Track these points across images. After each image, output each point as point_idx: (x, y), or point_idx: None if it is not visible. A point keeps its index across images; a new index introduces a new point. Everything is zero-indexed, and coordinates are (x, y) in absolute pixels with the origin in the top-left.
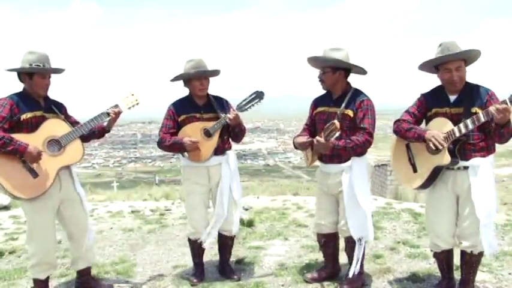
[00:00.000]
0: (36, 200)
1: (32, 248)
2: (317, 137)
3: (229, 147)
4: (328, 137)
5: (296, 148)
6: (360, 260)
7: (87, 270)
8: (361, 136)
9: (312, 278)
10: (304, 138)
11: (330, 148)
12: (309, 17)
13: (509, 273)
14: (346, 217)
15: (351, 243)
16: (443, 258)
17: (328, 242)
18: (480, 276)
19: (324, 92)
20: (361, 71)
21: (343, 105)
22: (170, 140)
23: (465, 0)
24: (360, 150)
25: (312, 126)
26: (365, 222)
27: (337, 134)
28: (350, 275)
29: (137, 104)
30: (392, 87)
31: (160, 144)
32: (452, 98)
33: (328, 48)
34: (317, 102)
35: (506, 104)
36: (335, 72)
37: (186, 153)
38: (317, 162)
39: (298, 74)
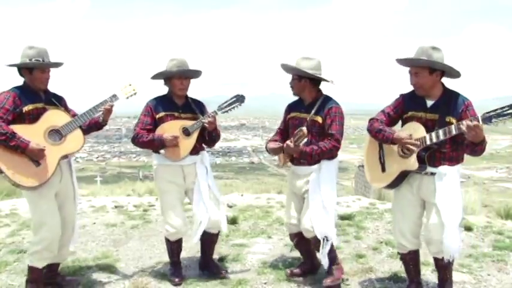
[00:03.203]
0: (41, 188)
1: (40, 235)
2: (287, 142)
3: (203, 148)
4: (297, 142)
5: (268, 152)
6: (326, 255)
7: (56, 266)
8: (328, 143)
9: (291, 273)
10: (275, 144)
11: (299, 152)
12: (298, 16)
13: (488, 274)
14: (310, 217)
15: (316, 242)
16: (410, 259)
17: (300, 240)
18: (460, 277)
19: (297, 97)
20: (329, 81)
21: (313, 111)
22: (148, 136)
23: (452, 3)
24: (327, 156)
25: (285, 131)
26: (328, 222)
27: (305, 140)
28: (326, 271)
29: (135, 93)
30: (378, 88)
31: (136, 139)
32: (429, 103)
33: (300, 58)
34: (291, 108)
35: (478, 121)
36: (300, 80)
37: (162, 150)
38: (288, 164)
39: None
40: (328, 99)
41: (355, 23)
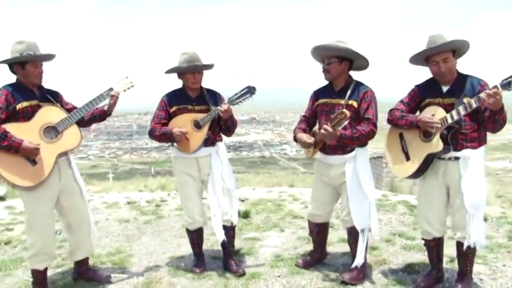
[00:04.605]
0: (37, 190)
1: (31, 238)
2: (324, 126)
3: (220, 139)
4: (336, 126)
5: (296, 141)
6: (363, 250)
7: (86, 261)
8: (366, 126)
9: (304, 262)
10: (307, 138)
11: (337, 137)
12: (305, 8)
13: (504, 265)
14: (349, 208)
15: (353, 234)
16: (434, 246)
17: (320, 231)
18: (475, 268)
19: (324, 84)
20: (365, 64)
21: (347, 95)
22: (160, 130)
23: None
24: (365, 140)
25: (311, 118)
26: (368, 212)
27: (346, 122)
28: (354, 266)
29: (132, 86)
30: (386, 80)
31: (151, 134)
32: (444, 88)
33: (335, 40)
34: (318, 94)
35: (497, 88)
36: (341, 62)
37: (175, 144)
38: (317, 154)
39: (295, 66)
40: (360, 83)
41: (363, 14)
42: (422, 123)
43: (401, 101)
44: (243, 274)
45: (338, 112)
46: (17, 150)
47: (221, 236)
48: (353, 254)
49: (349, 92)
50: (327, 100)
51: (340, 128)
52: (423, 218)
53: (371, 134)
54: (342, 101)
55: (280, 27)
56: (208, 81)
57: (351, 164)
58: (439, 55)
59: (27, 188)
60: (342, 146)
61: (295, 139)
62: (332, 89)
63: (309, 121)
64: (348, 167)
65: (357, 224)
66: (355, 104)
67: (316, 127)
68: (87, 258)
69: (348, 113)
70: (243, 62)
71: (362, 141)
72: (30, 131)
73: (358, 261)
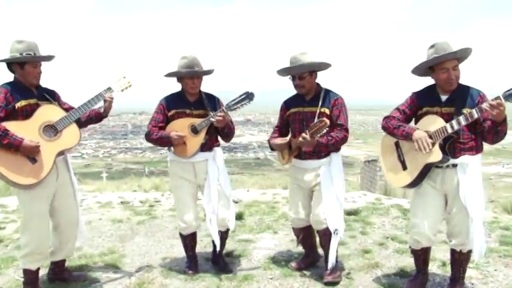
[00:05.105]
0: (35, 188)
1: (25, 238)
2: (302, 135)
3: (218, 145)
4: (315, 133)
5: (272, 149)
6: (335, 249)
7: (63, 262)
8: (340, 133)
9: (297, 265)
10: (281, 140)
11: (314, 145)
12: (303, 11)
13: (495, 270)
14: (323, 209)
15: (327, 235)
16: (421, 254)
17: (306, 235)
18: (466, 272)
19: (292, 94)
20: (327, 67)
21: (320, 103)
22: (158, 134)
23: None
24: (339, 146)
25: (284, 128)
26: (339, 214)
27: (325, 130)
28: (329, 267)
29: (130, 86)
30: (384, 84)
31: (148, 136)
32: (443, 97)
33: (298, 53)
34: (289, 104)
35: (500, 99)
36: (312, 74)
37: (172, 148)
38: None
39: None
40: (330, 91)
41: (361, 18)
42: (415, 139)
43: (397, 109)
44: (230, 272)
45: (318, 120)
46: (17, 148)
47: (218, 242)
48: (326, 254)
49: (321, 100)
50: (298, 109)
51: (318, 135)
52: (416, 228)
53: (344, 140)
54: (315, 109)
55: (278, 29)
56: (206, 81)
57: (326, 167)
58: (450, 62)
59: (27, 186)
60: (317, 151)
61: (271, 147)
62: (303, 98)
63: (281, 131)
64: (323, 169)
65: (331, 224)
66: (327, 111)
67: (289, 136)
68: (64, 260)
69: (327, 121)
70: (240, 63)
71: (336, 146)
72: (29, 130)
73: (332, 261)
